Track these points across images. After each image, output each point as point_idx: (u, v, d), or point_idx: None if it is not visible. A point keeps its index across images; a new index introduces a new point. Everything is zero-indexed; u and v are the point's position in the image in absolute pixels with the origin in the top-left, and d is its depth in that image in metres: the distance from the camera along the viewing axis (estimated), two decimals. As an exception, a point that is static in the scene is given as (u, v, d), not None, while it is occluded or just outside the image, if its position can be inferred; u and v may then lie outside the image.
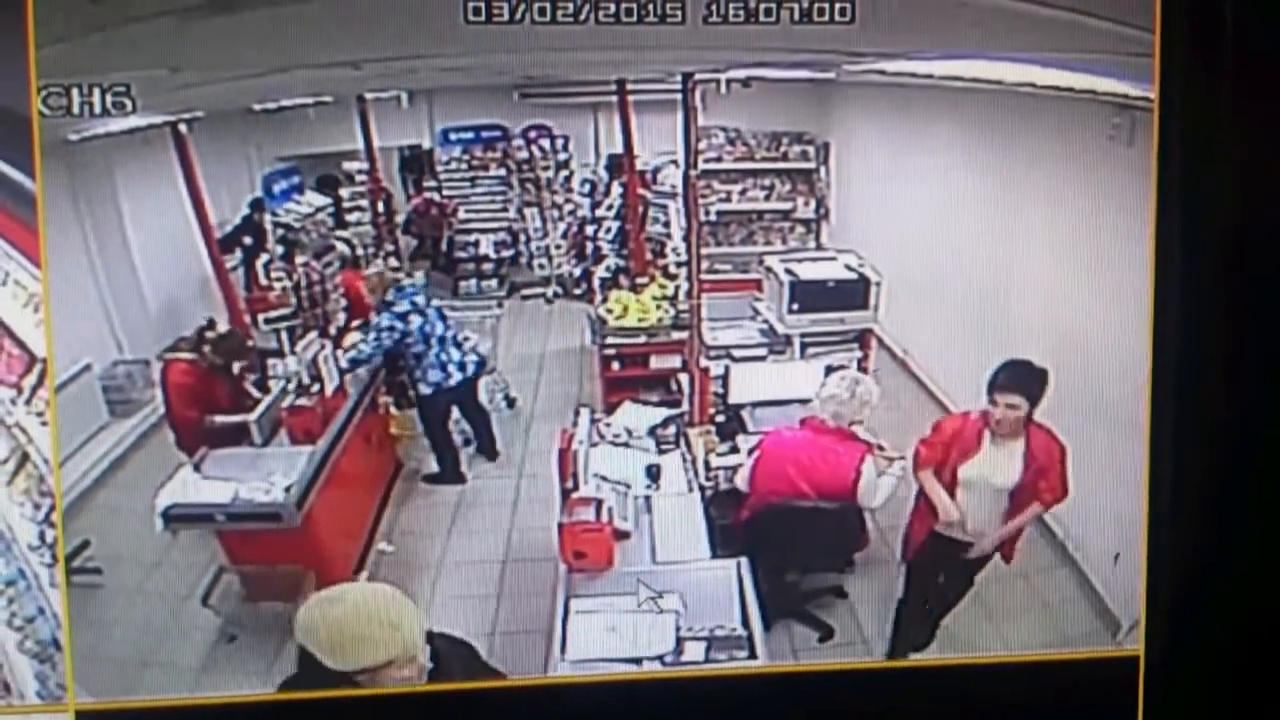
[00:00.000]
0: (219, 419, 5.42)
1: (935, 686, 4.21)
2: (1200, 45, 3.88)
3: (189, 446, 5.37)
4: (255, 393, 5.73)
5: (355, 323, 6.49)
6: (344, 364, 6.01)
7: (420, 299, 6.09)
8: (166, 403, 5.42)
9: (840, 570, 5.32)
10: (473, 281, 7.66)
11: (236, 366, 5.56)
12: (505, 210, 7.72)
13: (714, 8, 3.88)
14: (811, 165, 7.42)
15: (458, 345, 6.19)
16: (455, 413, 6.28)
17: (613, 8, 3.83)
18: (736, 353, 6.12)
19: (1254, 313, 4.00)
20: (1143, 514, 4.12)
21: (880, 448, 5.13)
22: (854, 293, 5.99)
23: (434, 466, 6.18)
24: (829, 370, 5.67)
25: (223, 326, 5.48)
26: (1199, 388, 4.04)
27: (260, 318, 6.11)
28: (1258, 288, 3.98)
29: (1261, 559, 4.07)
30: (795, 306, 5.98)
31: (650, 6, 3.85)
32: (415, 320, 6.01)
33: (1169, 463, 4.08)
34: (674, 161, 6.88)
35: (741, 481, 5.24)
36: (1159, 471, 4.09)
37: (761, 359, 6.10)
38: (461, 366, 6.16)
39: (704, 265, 6.39)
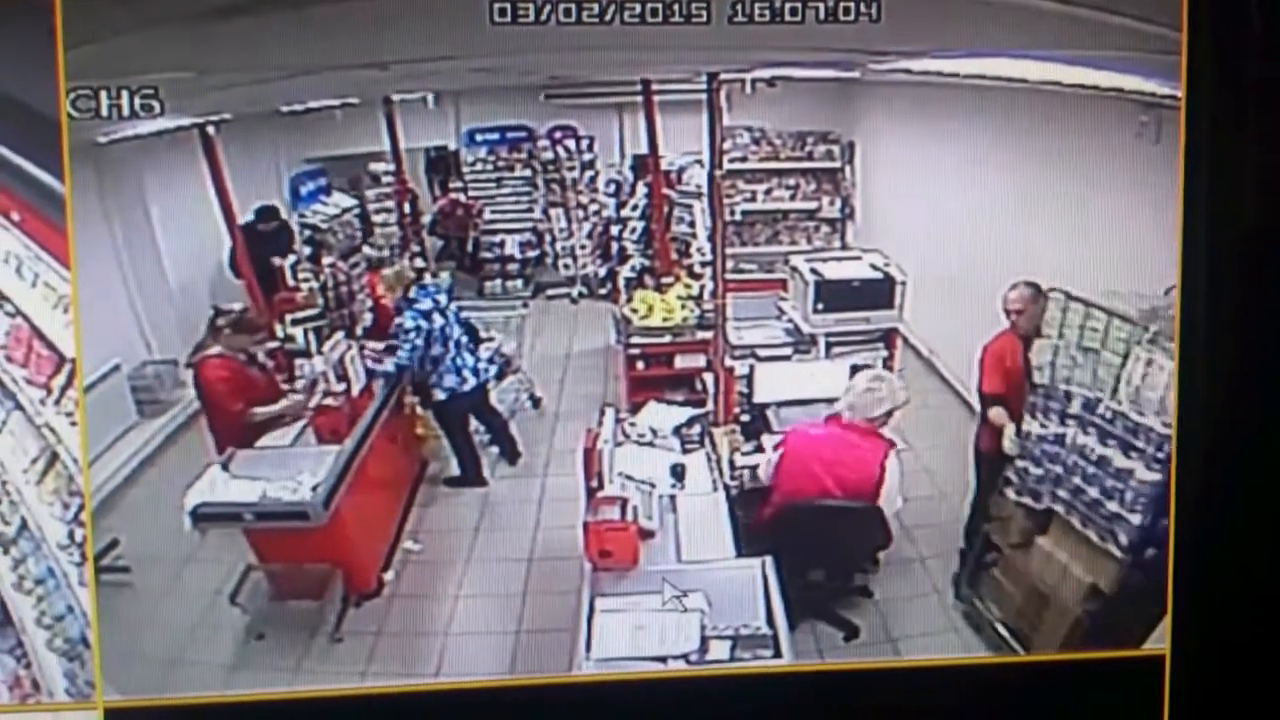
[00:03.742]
0: (261, 410, 5.44)
1: (961, 686, 4.20)
2: (1227, 43, 3.86)
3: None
4: (288, 388, 5.77)
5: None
6: (389, 369, 6.01)
7: (442, 298, 6.09)
8: (208, 404, 5.43)
9: (864, 570, 5.32)
10: (498, 282, 7.67)
11: (260, 351, 5.57)
12: (531, 211, 7.73)
13: (739, 7, 3.88)
14: (837, 164, 7.41)
15: (472, 351, 6.19)
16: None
17: (638, 8, 3.84)
18: (761, 352, 6.11)
19: (1281, 309, 3.99)
20: (1170, 514, 4.10)
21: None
22: (879, 292, 5.98)
23: (456, 468, 6.19)
24: (855, 369, 5.71)
25: (233, 307, 5.47)
26: (1226, 387, 4.02)
27: (288, 318, 6.12)
28: (1285, 284, 3.97)
29: (1289, 559, 4.06)
30: (820, 306, 5.97)
31: (675, 7, 3.85)
32: (438, 320, 5.99)
33: (1197, 461, 4.06)
34: (699, 161, 6.88)
35: (765, 475, 5.27)
36: (1187, 470, 4.07)
37: (786, 358, 6.09)
38: (476, 372, 6.14)
39: (729, 265, 6.39)
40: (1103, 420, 4.61)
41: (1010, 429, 5.11)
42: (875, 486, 5.01)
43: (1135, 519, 4.41)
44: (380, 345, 6.11)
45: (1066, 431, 4.82)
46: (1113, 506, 4.53)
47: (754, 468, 5.41)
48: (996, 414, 5.21)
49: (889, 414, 5.14)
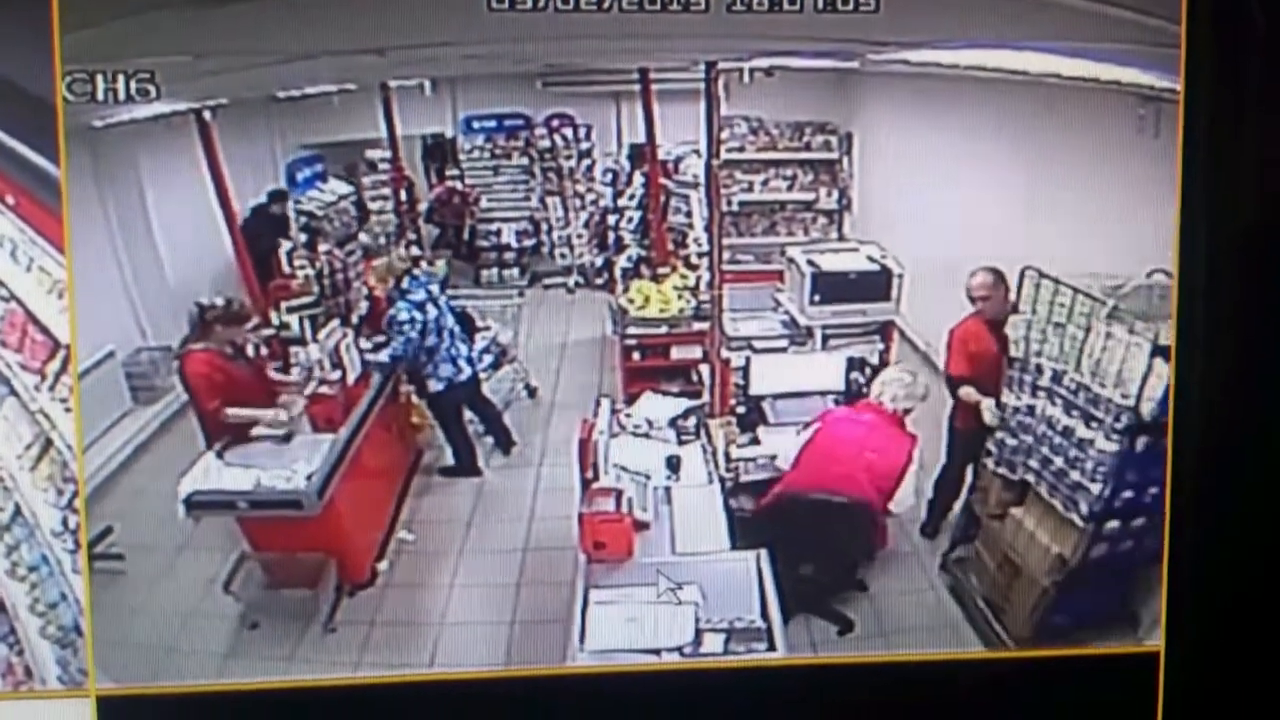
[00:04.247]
0: (236, 412, 5.38)
1: (955, 680, 4.20)
2: (1227, 37, 3.86)
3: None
4: (279, 376, 5.73)
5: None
6: (382, 360, 5.97)
7: (435, 288, 6.07)
8: (193, 399, 5.37)
9: (859, 565, 5.32)
10: (494, 271, 7.65)
11: (251, 342, 5.54)
12: (527, 199, 7.71)
13: (738, -4, 3.88)
14: (834, 155, 7.38)
15: (466, 340, 6.17)
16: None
17: (636, -4, 3.84)
18: (758, 344, 6.10)
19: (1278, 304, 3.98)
20: (1165, 510, 4.10)
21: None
22: (876, 284, 5.97)
23: (451, 458, 6.17)
24: (852, 362, 5.81)
25: (217, 300, 5.43)
26: (1223, 382, 4.02)
27: (283, 305, 6.10)
28: (1283, 279, 3.97)
29: (1284, 555, 4.06)
30: (817, 298, 5.97)
31: (674, -5, 3.85)
32: (431, 311, 5.96)
33: (1193, 458, 4.06)
34: (696, 151, 6.86)
35: (784, 460, 5.32)
36: (1181, 465, 4.07)
37: (783, 350, 6.08)
38: (470, 361, 6.13)
39: (725, 256, 6.37)
40: (1068, 392, 4.78)
41: (988, 402, 5.25)
42: (898, 478, 5.11)
43: (1095, 488, 4.59)
44: (369, 345, 6.08)
45: (1037, 403, 4.99)
46: (1075, 476, 4.71)
47: (771, 455, 5.47)
48: (966, 392, 5.35)
49: (913, 408, 5.27)
